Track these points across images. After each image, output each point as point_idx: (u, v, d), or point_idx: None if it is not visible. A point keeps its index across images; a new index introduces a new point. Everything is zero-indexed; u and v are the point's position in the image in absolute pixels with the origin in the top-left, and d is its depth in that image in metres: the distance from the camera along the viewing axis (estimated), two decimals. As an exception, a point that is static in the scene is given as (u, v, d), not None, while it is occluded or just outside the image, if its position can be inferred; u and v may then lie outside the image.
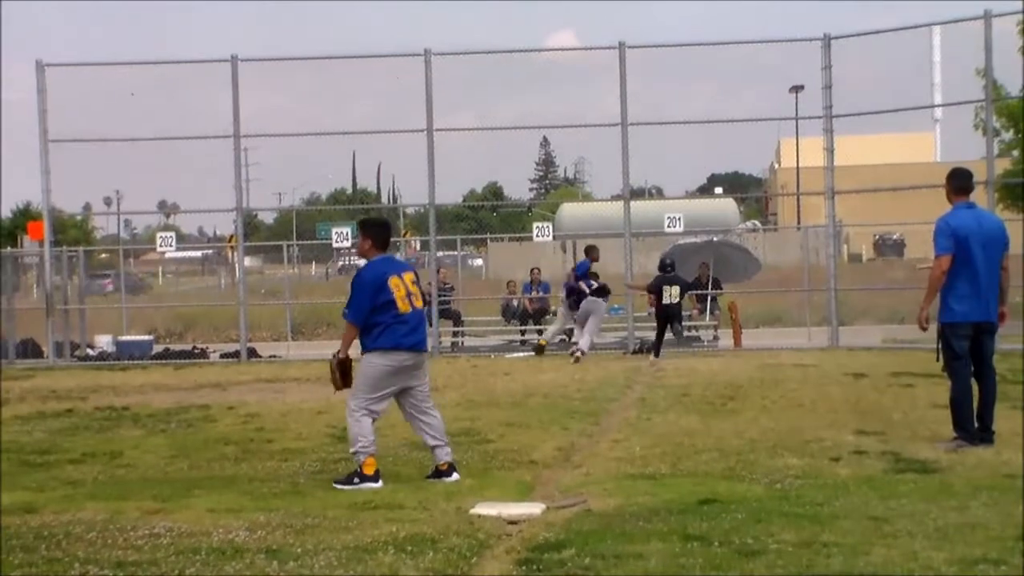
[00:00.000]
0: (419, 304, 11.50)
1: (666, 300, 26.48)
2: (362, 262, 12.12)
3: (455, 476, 11.34)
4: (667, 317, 26.85)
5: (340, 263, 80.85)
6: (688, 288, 28.44)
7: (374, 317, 11.25)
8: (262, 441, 14.50)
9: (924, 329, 13.37)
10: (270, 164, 35.52)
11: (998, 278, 12.86)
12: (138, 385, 22.65)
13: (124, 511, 10.21)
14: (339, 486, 11.11)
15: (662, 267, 27.36)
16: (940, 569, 7.49)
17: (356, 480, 11.12)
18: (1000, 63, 28.13)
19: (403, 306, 11.26)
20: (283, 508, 10.23)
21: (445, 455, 11.50)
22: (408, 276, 11.48)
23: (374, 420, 11.40)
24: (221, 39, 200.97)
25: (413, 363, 11.47)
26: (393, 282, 11.27)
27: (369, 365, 11.32)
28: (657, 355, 26.12)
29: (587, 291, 26.54)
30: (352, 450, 11.33)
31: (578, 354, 25.58)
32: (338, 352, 11.55)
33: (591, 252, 27.63)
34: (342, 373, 11.52)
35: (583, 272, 26.99)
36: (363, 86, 30.56)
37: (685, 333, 29.53)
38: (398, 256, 11.70)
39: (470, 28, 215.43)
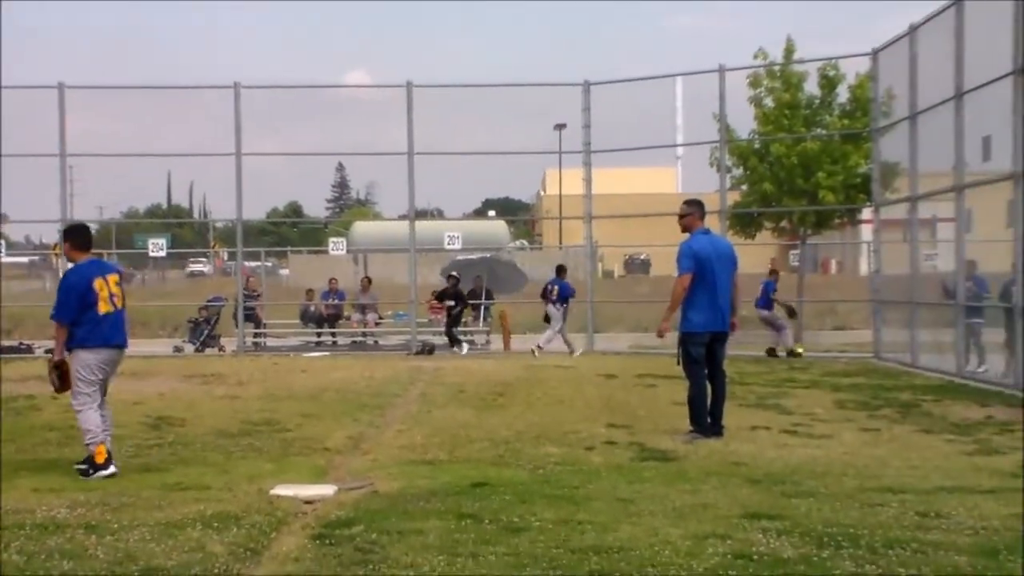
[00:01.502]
0: (120, 305, 11.18)
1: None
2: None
3: (112, 469, 10.75)
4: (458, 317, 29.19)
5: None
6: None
7: (82, 316, 10.92)
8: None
9: (661, 337, 13.66)
10: (93, 180, 34.74)
11: (730, 294, 13.20)
12: (-32, 377, 21.89)
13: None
14: (81, 476, 10.69)
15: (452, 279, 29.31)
16: (677, 543, 7.62)
17: (91, 471, 10.69)
18: (732, 110, 28.87)
19: (105, 306, 10.96)
20: (101, 488, 10.01)
21: (108, 443, 11.05)
22: (112, 278, 11.18)
23: (98, 416, 10.98)
24: (51, 66, 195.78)
25: (116, 359, 11.29)
26: (97, 283, 10.96)
27: (81, 362, 10.98)
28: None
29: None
30: (86, 441, 10.91)
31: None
32: (54, 355, 11.17)
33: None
34: (61, 375, 11.12)
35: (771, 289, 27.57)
36: (179, 113, 30.02)
37: (462, 338, 29.78)
38: (110, 261, 11.48)
39: (275, 63, 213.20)
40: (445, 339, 29.03)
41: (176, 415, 15.30)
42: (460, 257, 32.59)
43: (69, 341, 11.02)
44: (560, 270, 28.62)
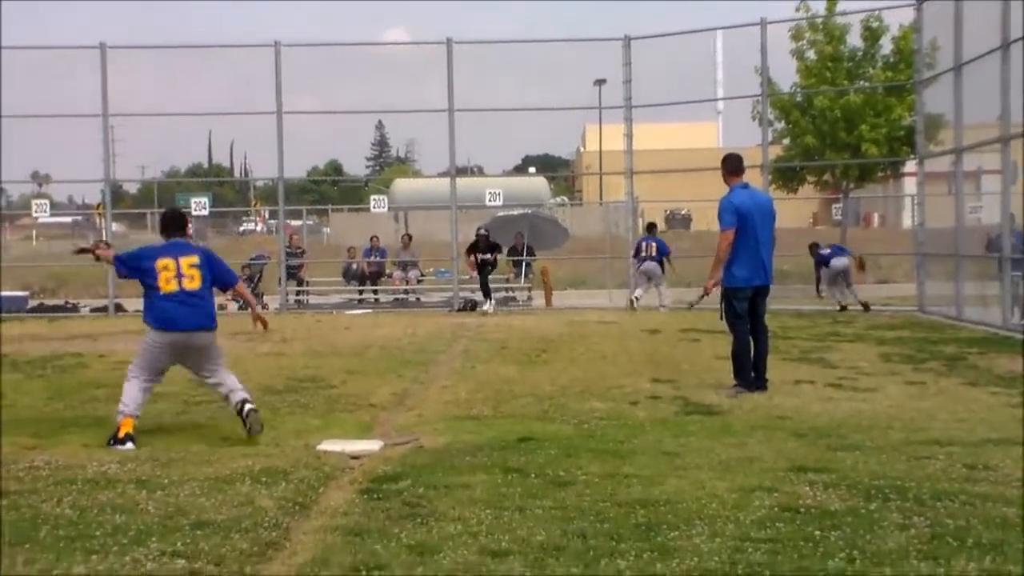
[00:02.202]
0: (191, 285, 10.66)
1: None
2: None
3: (128, 446, 10.08)
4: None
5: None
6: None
7: (146, 292, 10.73)
8: (130, 386, 14.26)
9: (708, 294, 13.67)
10: (134, 140, 34.94)
11: (771, 248, 13.17)
12: (15, 335, 22.06)
13: (5, 447, 10.01)
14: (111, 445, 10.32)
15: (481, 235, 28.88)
16: (723, 496, 7.63)
17: (111, 441, 10.31)
18: (774, 63, 28.78)
19: (167, 286, 10.58)
20: (150, 444, 10.12)
21: (240, 395, 10.71)
22: (187, 259, 10.72)
23: (141, 391, 10.63)
24: (92, 28, 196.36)
25: (186, 344, 10.69)
26: (162, 263, 10.64)
27: (143, 341, 10.82)
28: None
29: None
30: (118, 409, 10.57)
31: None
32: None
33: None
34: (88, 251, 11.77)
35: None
36: (219, 72, 30.13)
37: (504, 294, 29.83)
38: (194, 242, 10.97)
39: (314, 22, 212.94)
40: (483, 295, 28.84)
41: (222, 372, 15.36)
42: (501, 214, 32.55)
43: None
44: (651, 227, 28.77)
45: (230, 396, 10.74)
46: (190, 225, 11.72)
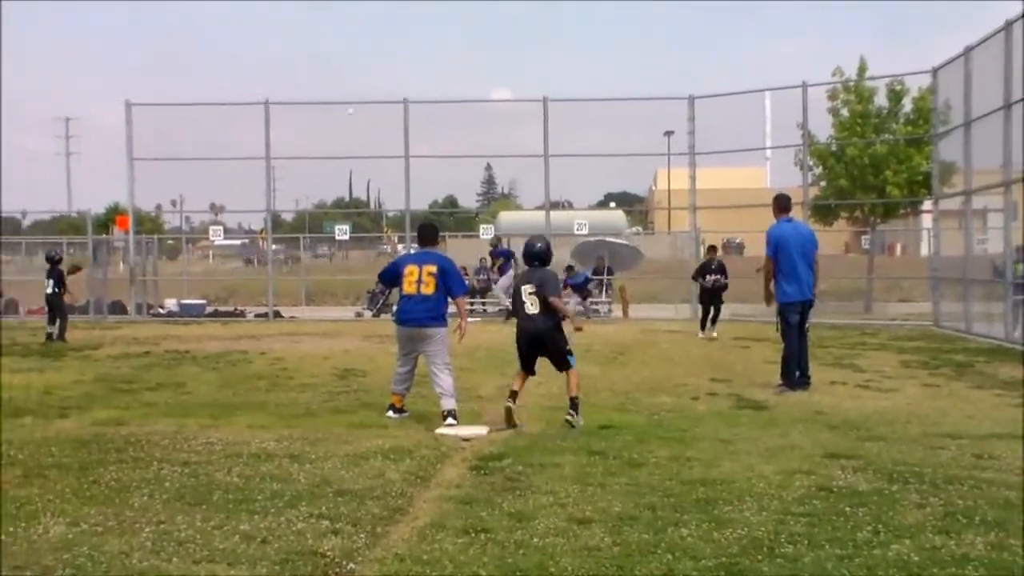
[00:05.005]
0: (426, 290, 10.51)
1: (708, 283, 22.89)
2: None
3: (449, 421, 10.16)
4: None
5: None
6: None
7: (399, 293, 10.84)
8: (285, 378, 14.42)
9: (769, 305, 13.48)
10: (290, 178, 35.27)
11: (812, 269, 13.06)
12: (195, 335, 22.42)
13: (187, 426, 10.16)
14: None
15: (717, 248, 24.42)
16: (769, 477, 7.55)
17: (388, 410, 10.83)
18: (813, 119, 28.54)
19: (408, 288, 10.59)
20: (301, 426, 10.20)
21: (445, 404, 10.35)
22: (428, 267, 10.59)
23: (397, 373, 10.82)
24: (255, 85, 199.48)
25: (410, 336, 10.63)
26: (408, 268, 10.65)
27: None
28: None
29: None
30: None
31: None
32: None
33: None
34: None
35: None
36: (359, 122, 30.42)
37: (591, 305, 29.63)
38: (437, 251, 10.55)
39: (433, 82, 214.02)
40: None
41: (359, 368, 15.49)
42: (584, 240, 32.56)
43: None
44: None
45: (440, 400, 10.47)
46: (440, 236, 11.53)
